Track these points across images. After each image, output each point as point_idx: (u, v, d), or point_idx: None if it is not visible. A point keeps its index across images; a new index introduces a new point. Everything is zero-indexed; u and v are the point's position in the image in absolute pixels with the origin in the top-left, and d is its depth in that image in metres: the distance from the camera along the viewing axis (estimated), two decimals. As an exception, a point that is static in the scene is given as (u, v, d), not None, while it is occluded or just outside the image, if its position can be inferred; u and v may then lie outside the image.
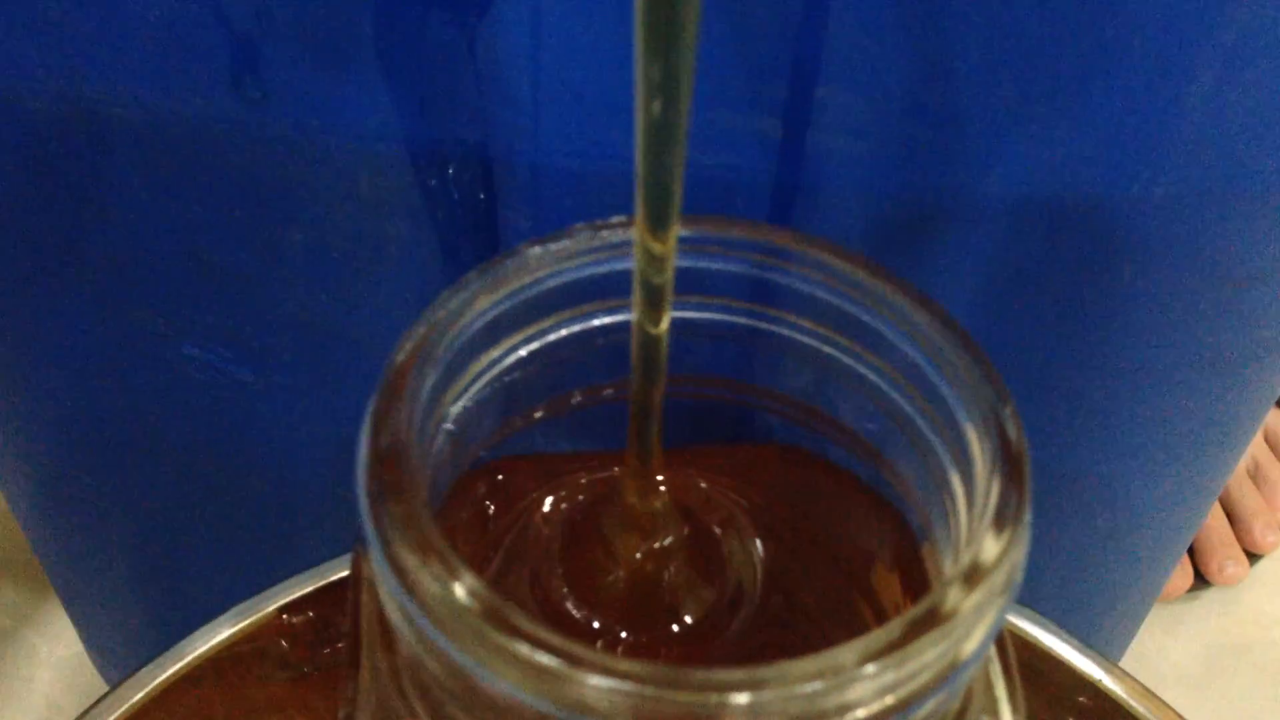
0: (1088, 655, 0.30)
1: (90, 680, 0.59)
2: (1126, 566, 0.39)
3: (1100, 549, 0.38)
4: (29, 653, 0.66)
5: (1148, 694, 0.30)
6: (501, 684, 0.14)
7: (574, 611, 0.19)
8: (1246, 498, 0.74)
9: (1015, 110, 0.25)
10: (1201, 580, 0.74)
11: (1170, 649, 0.73)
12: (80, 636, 0.53)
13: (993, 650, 0.19)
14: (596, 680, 0.13)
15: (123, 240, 0.30)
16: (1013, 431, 0.16)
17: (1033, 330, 0.30)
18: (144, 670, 0.29)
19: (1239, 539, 0.74)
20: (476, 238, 0.28)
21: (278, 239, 0.28)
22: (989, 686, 0.19)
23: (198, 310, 0.31)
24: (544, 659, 0.13)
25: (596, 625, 0.19)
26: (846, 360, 0.20)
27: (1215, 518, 0.74)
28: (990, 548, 0.15)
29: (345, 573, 0.29)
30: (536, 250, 0.19)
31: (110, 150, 0.27)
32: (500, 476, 0.22)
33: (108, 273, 0.31)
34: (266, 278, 0.30)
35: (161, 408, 0.34)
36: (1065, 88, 0.24)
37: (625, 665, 0.13)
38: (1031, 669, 0.29)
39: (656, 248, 0.16)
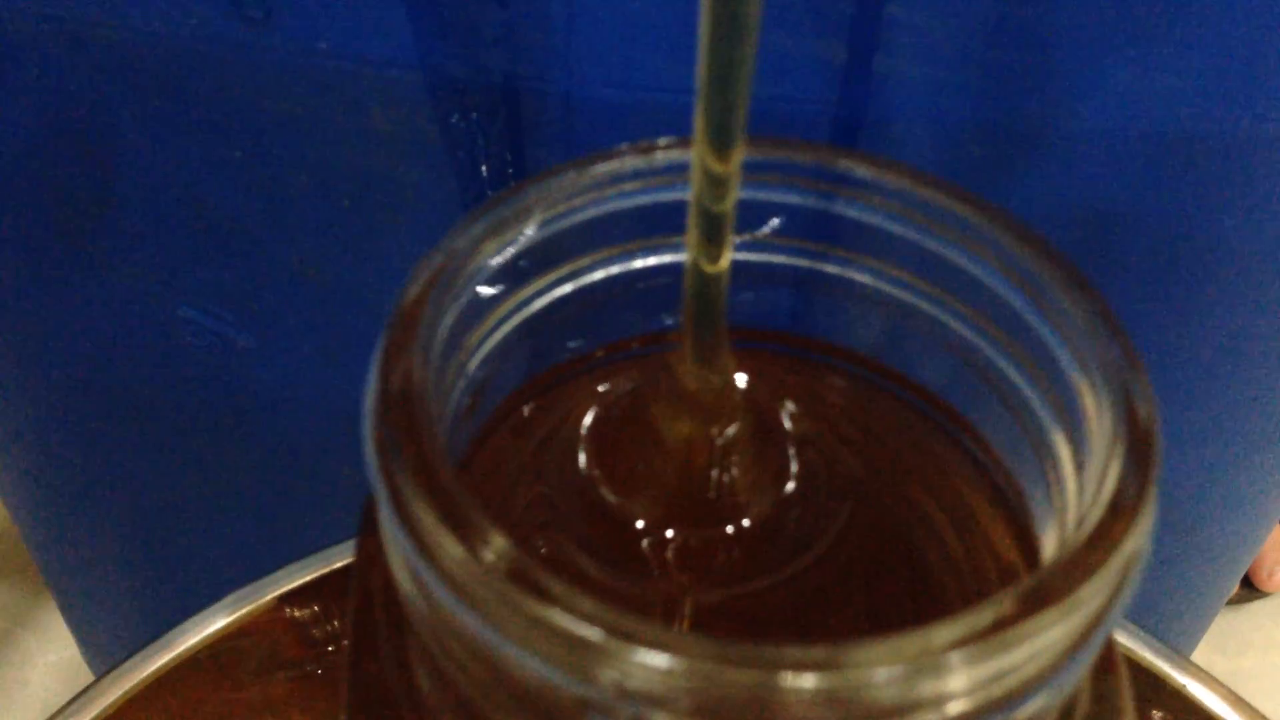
0: (1165, 657, 0.28)
1: (86, 682, 0.61)
2: (1203, 564, 0.39)
3: (1181, 545, 0.37)
4: (24, 655, 0.68)
5: (1239, 702, 0.28)
6: (532, 661, 0.13)
7: (617, 526, 0.18)
8: (1299, 501, 0.74)
9: (1111, 33, 0.24)
10: (1248, 585, 0.75)
11: (1217, 663, 0.73)
12: (75, 637, 0.54)
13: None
14: (646, 656, 0.12)
15: (109, 185, 0.29)
16: (1142, 404, 0.15)
17: (1121, 284, 0.29)
18: (129, 662, 0.28)
19: (1289, 544, 0.75)
20: (503, 179, 0.27)
21: (281, 181, 0.28)
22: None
23: (194, 265, 0.30)
24: (584, 630, 0.12)
25: (641, 527, 0.18)
26: (926, 307, 0.19)
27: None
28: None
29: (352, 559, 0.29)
30: (572, 174, 0.18)
31: (95, 80, 0.27)
32: (532, 404, 0.20)
33: (93, 223, 0.30)
34: (269, 226, 0.29)
35: (155, 377, 0.34)
36: (1168, 7, 0.23)
37: (678, 639, 0.12)
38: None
39: (718, 168, 0.15)
